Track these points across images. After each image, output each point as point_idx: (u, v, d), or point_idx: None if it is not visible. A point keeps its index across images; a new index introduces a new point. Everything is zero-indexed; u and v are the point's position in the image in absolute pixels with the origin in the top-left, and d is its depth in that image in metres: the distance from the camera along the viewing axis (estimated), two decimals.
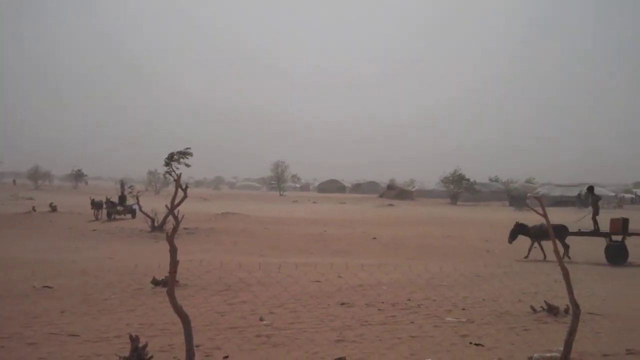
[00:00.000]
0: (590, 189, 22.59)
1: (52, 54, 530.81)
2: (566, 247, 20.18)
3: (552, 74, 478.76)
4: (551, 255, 20.03)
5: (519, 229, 21.46)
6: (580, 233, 20.81)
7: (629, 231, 20.27)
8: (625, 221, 20.29)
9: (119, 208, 35.41)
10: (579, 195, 65.41)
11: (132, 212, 35.01)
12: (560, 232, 20.26)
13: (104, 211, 34.47)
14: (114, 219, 33.89)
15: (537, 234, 20.79)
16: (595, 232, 20.92)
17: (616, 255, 19.43)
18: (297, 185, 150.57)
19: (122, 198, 36.68)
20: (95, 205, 34.40)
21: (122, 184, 58.93)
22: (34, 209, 36.74)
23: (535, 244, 21.00)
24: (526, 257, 20.49)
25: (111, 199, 35.23)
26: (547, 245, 20.74)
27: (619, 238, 20.09)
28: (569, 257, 19.72)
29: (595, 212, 21.46)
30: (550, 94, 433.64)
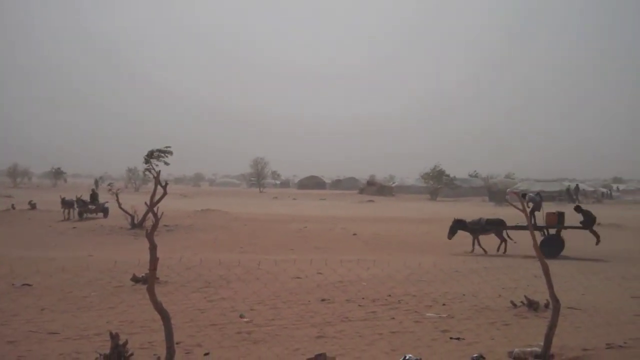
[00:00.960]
0: (523, 195, 22.98)
1: (37, 52, 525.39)
2: (504, 240, 20.93)
3: (534, 70, 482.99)
4: (496, 249, 20.80)
5: (457, 225, 21.88)
6: (516, 227, 21.10)
7: (565, 224, 20.85)
8: (560, 215, 20.85)
9: (90, 207, 34.42)
10: (568, 190, 66.20)
11: (104, 211, 34.22)
12: (498, 225, 21.21)
13: (76, 210, 33.48)
14: (86, 218, 33.03)
15: (475, 228, 21.48)
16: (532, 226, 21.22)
17: (550, 247, 19.67)
18: (277, 182, 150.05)
19: (94, 196, 35.65)
20: (66, 204, 33.22)
21: (97, 182, 57.80)
22: (13, 206, 36.29)
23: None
24: (471, 251, 21.02)
25: (82, 197, 34.28)
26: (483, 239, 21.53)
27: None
28: (504, 251, 20.57)
29: (536, 208, 22.19)
30: (531, 90, 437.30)
